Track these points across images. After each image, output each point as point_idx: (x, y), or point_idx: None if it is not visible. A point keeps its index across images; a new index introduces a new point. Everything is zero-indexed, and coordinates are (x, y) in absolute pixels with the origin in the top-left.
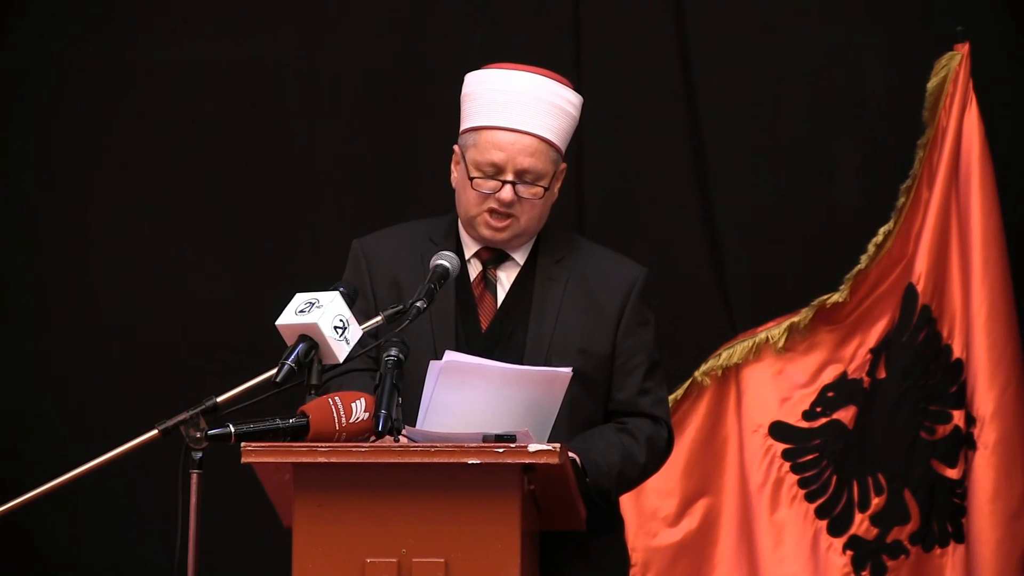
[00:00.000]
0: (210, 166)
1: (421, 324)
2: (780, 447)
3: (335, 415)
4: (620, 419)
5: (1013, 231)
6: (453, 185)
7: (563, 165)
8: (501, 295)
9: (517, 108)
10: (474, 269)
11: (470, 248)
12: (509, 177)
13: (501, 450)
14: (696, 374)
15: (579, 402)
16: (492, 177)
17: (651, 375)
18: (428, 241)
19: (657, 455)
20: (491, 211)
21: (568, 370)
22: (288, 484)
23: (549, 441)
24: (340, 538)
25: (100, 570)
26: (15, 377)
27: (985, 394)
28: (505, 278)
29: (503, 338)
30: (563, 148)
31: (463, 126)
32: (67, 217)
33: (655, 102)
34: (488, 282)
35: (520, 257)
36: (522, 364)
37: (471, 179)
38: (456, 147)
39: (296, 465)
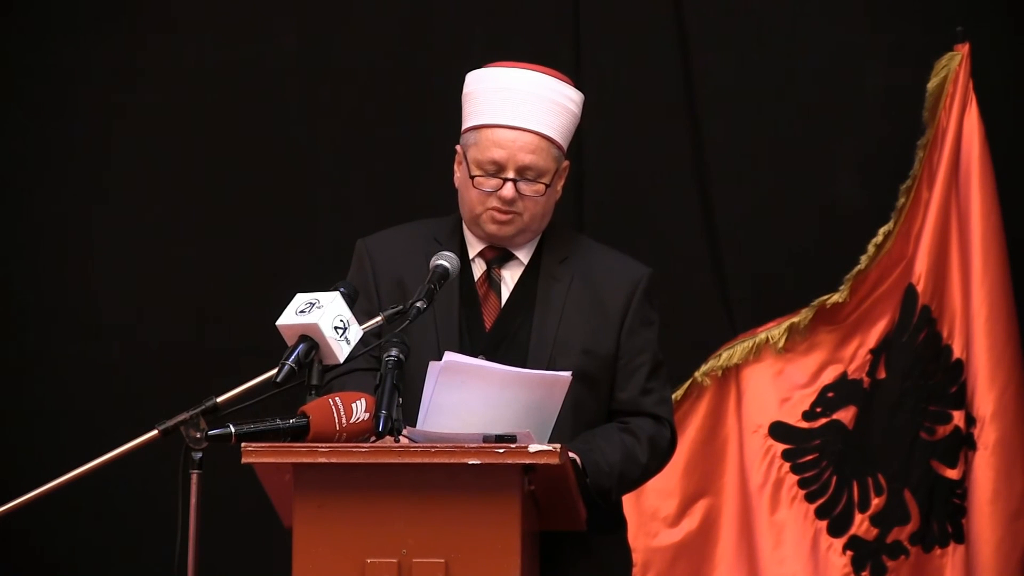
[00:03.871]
0: (210, 166)
1: (425, 324)
2: (780, 447)
3: (335, 415)
4: (622, 419)
5: (1013, 231)
6: (456, 185)
7: (566, 163)
8: (505, 294)
9: (517, 106)
10: (478, 268)
11: (474, 247)
12: (510, 175)
13: (501, 450)
14: (696, 374)
15: (582, 402)
16: (494, 175)
17: (654, 375)
18: (433, 241)
19: (659, 455)
20: (495, 209)
21: (568, 374)
22: (288, 484)
23: (550, 441)
24: (340, 538)
25: (100, 570)
26: (15, 377)
27: (985, 394)
28: (509, 277)
29: (507, 337)
30: (565, 145)
31: (464, 125)
32: (67, 217)
33: (655, 102)
34: (492, 281)
35: (524, 256)
36: (526, 363)
37: (472, 177)
38: (458, 147)
39: (296, 465)
